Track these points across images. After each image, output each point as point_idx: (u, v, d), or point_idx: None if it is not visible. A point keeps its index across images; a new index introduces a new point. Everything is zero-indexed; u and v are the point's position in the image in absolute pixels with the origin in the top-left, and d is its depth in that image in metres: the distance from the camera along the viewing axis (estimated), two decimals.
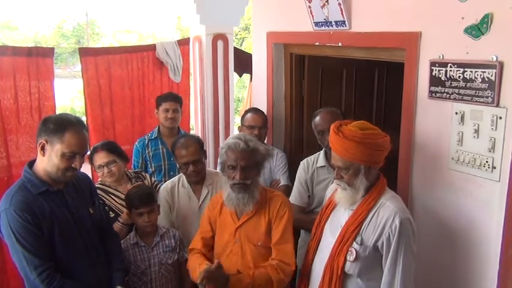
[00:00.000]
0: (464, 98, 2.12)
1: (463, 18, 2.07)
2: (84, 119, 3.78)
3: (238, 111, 8.85)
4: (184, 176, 2.77)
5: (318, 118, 2.74)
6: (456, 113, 2.17)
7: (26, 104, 3.46)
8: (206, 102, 4.43)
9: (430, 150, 2.32)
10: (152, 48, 4.23)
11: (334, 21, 2.74)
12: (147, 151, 3.49)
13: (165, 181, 3.14)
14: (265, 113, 3.33)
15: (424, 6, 2.25)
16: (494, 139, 2.02)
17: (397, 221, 1.89)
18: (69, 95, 14.31)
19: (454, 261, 2.26)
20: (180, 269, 2.59)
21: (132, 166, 3.49)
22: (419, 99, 2.34)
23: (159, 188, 2.91)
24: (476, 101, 2.07)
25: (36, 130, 2.02)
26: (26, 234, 1.92)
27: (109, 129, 4.06)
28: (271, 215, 2.21)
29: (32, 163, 2.07)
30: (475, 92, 2.06)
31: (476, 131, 2.09)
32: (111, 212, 2.74)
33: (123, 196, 2.75)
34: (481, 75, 2.03)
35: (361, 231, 1.96)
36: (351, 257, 1.93)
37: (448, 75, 2.17)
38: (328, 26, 2.81)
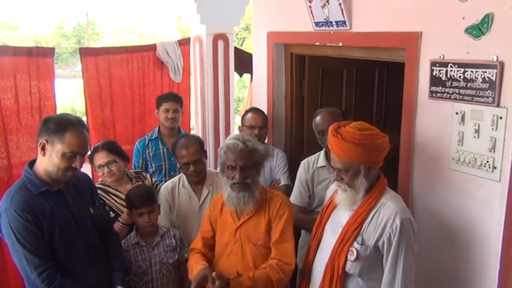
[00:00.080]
0: (464, 98, 2.12)
1: (463, 18, 2.07)
2: (84, 118, 3.78)
3: (238, 111, 8.86)
4: (184, 176, 2.77)
5: (318, 118, 2.74)
6: (457, 113, 2.16)
7: (26, 104, 3.46)
8: (206, 102, 4.43)
9: (431, 150, 2.32)
10: (153, 48, 4.23)
11: (335, 21, 2.74)
12: (147, 151, 3.49)
13: (165, 181, 3.14)
14: (266, 113, 3.33)
15: (424, 6, 2.25)
16: (495, 139, 2.02)
17: (397, 221, 1.89)
18: (69, 95, 14.32)
19: (454, 261, 2.26)
20: (180, 268, 2.59)
21: (132, 166, 3.49)
22: (419, 99, 2.34)
23: (160, 188, 2.92)
24: (477, 101, 2.06)
25: (37, 130, 2.02)
26: (26, 234, 1.92)
27: (109, 129, 4.06)
28: (271, 214, 2.21)
29: (32, 163, 2.07)
30: (476, 92, 2.06)
31: (477, 131, 2.09)
32: (111, 212, 2.74)
33: (123, 196, 2.75)
34: (481, 75, 2.03)
35: (361, 231, 1.96)
36: (351, 256, 1.93)
37: (448, 75, 2.17)
38: (328, 26, 2.81)
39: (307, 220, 2.58)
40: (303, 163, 2.79)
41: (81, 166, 2.05)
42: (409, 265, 1.92)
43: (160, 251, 2.54)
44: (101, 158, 2.79)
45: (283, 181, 3.15)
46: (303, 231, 2.79)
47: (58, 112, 3.58)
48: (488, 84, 2.01)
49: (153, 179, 3.15)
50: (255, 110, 3.29)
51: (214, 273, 2.01)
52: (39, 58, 3.50)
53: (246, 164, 2.16)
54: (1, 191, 2.32)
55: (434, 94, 2.25)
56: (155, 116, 3.65)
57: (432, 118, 2.29)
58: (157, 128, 3.59)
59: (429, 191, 2.35)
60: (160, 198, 2.73)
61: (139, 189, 2.58)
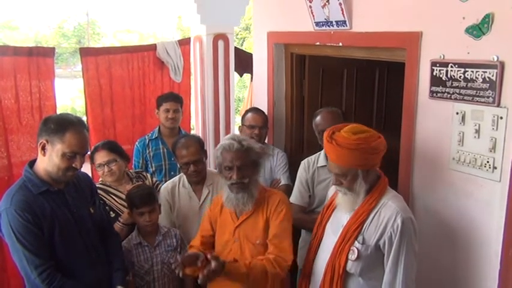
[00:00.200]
0: (465, 98, 2.12)
1: (464, 18, 2.07)
2: (84, 118, 3.78)
3: (238, 111, 8.86)
4: (185, 176, 2.77)
5: (318, 118, 2.74)
6: (457, 113, 2.16)
7: (27, 103, 3.46)
8: (207, 102, 4.43)
9: (431, 150, 2.32)
10: (153, 48, 4.23)
11: (335, 21, 2.74)
12: (147, 151, 3.49)
13: (165, 181, 3.14)
14: (266, 113, 3.33)
15: (424, 6, 2.25)
16: (495, 139, 2.01)
17: (398, 221, 1.89)
18: (69, 95, 14.32)
19: (454, 261, 2.26)
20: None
21: (132, 166, 3.49)
22: (420, 99, 2.34)
23: (160, 188, 2.92)
24: (477, 101, 2.06)
25: (37, 130, 2.02)
26: (26, 233, 1.92)
27: (109, 129, 4.06)
28: (268, 212, 2.21)
29: (32, 163, 2.07)
30: (476, 92, 2.06)
31: (477, 131, 2.09)
32: (111, 212, 2.74)
33: (123, 196, 2.75)
34: (482, 75, 2.03)
35: (362, 230, 1.96)
36: (352, 256, 1.93)
37: (449, 75, 2.17)
38: (328, 26, 2.81)
39: (308, 220, 2.59)
40: (303, 163, 2.79)
41: (81, 166, 2.05)
42: (410, 264, 1.92)
43: (161, 250, 2.54)
44: (101, 157, 2.80)
45: (283, 181, 3.15)
46: (303, 231, 2.79)
47: (58, 112, 3.58)
48: (488, 84, 2.01)
49: (154, 179, 3.15)
50: (255, 110, 3.29)
51: (209, 255, 2.00)
52: (40, 58, 3.50)
53: (243, 164, 2.16)
54: (1, 190, 2.32)
55: (434, 94, 2.25)
56: (155, 116, 3.65)
57: (432, 118, 2.29)
58: (157, 128, 3.59)
59: (429, 191, 2.35)
60: (160, 198, 2.73)
61: (139, 188, 2.58)
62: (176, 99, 3.56)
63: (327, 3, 2.72)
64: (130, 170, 3.11)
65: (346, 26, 2.69)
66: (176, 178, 2.85)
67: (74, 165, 2.00)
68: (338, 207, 2.09)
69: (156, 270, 2.51)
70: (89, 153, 2.63)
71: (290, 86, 3.41)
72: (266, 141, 3.36)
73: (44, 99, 3.53)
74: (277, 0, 3.30)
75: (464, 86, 2.11)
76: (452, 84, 2.16)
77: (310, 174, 2.72)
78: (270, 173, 3.21)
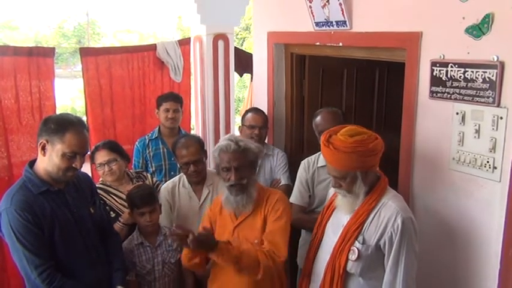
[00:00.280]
0: (465, 98, 2.12)
1: (463, 18, 2.07)
2: (84, 118, 3.78)
3: (238, 111, 8.85)
4: (185, 176, 2.77)
5: (318, 118, 2.74)
6: (457, 113, 2.16)
7: (27, 103, 3.46)
8: (207, 102, 4.43)
9: (431, 151, 2.32)
10: (153, 48, 4.23)
11: (335, 21, 2.74)
12: (147, 151, 3.49)
13: (165, 181, 3.14)
14: (266, 113, 3.33)
15: (424, 6, 2.25)
16: (495, 139, 2.02)
17: (399, 220, 1.89)
18: (69, 95, 14.32)
19: (455, 261, 2.26)
20: (181, 268, 2.59)
21: (132, 166, 3.49)
22: (420, 99, 2.34)
23: (160, 188, 2.92)
24: (477, 101, 2.06)
25: (37, 130, 2.02)
26: (26, 233, 1.92)
27: (109, 128, 4.06)
28: (266, 211, 2.20)
29: (32, 163, 2.07)
30: (476, 92, 2.06)
31: (477, 131, 2.09)
32: (112, 212, 2.74)
33: (124, 196, 2.75)
34: (482, 75, 2.03)
35: (363, 230, 1.96)
36: (353, 256, 1.93)
37: (449, 75, 2.17)
38: (328, 26, 2.81)
39: (308, 220, 2.59)
40: (303, 163, 2.79)
41: (81, 166, 2.05)
42: (411, 264, 1.92)
43: (162, 250, 2.54)
44: (101, 156, 2.80)
45: (283, 181, 3.15)
46: (303, 231, 2.79)
47: (58, 112, 3.58)
48: (488, 84, 2.01)
49: (154, 179, 3.15)
50: (255, 110, 3.29)
51: (201, 227, 2.04)
52: (40, 58, 3.50)
53: (241, 164, 2.16)
54: (1, 190, 2.32)
55: (434, 94, 2.25)
56: (155, 116, 3.65)
57: (432, 118, 2.29)
58: (157, 128, 3.59)
59: (429, 191, 2.35)
60: (160, 198, 2.73)
61: (140, 188, 2.58)
62: (176, 99, 3.56)
63: (327, 4, 2.72)
64: (131, 170, 3.11)
65: (346, 26, 2.69)
66: (176, 178, 2.85)
67: (74, 165, 2.00)
68: (338, 208, 2.09)
69: (157, 270, 2.52)
70: (89, 153, 2.63)
71: (290, 86, 3.41)
72: (266, 141, 3.36)
73: (44, 99, 3.54)
74: (277, 0, 3.30)
75: (464, 86, 2.11)
76: (452, 84, 2.16)
77: (310, 174, 2.72)
78: (270, 173, 3.21)
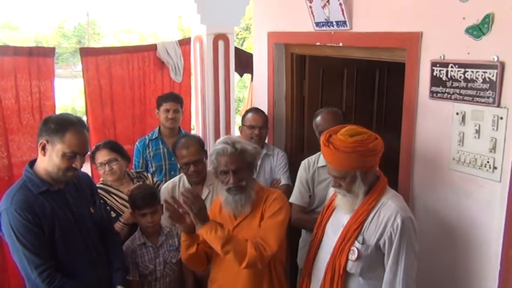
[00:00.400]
0: (465, 98, 2.12)
1: (464, 18, 2.07)
2: (84, 118, 3.78)
3: (239, 111, 8.86)
4: (185, 176, 2.77)
5: (319, 118, 2.74)
6: (457, 113, 2.16)
7: (27, 103, 3.47)
8: (207, 102, 4.43)
9: (431, 151, 2.32)
10: (153, 48, 4.23)
11: (335, 21, 2.74)
12: (147, 151, 3.49)
13: (165, 181, 3.15)
14: (266, 113, 3.33)
15: (425, 6, 2.25)
16: (495, 139, 2.02)
17: (398, 220, 1.89)
18: (70, 95, 14.31)
19: (455, 261, 2.26)
20: (182, 268, 2.59)
21: (132, 166, 3.49)
22: (420, 99, 2.34)
23: (160, 188, 2.92)
24: (477, 101, 2.06)
25: (37, 130, 2.02)
26: (26, 233, 1.92)
27: (110, 128, 4.06)
28: (264, 210, 2.20)
29: (32, 163, 2.07)
30: (476, 92, 2.06)
31: (477, 131, 2.09)
32: (112, 212, 2.74)
33: (124, 196, 2.76)
34: (482, 75, 2.03)
35: (362, 230, 1.96)
36: (353, 256, 1.93)
37: (449, 76, 2.17)
38: (329, 26, 2.81)
39: (308, 220, 2.59)
40: (304, 163, 2.79)
41: (81, 166, 2.05)
42: (410, 264, 1.92)
43: (164, 250, 2.54)
44: (102, 156, 2.80)
45: (283, 181, 3.15)
46: (303, 231, 2.80)
47: (58, 112, 3.58)
48: (488, 85, 2.01)
49: (154, 179, 3.15)
50: (256, 110, 3.29)
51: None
52: (40, 58, 3.50)
53: (238, 167, 2.15)
54: (2, 190, 2.32)
55: (434, 94, 2.25)
56: (155, 116, 3.65)
57: (433, 118, 2.29)
58: (157, 128, 3.59)
59: (429, 191, 2.35)
60: (160, 198, 2.73)
61: (142, 189, 2.58)
62: (176, 99, 3.56)
63: (327, 4, 2.72)
64: (131, 170, 3.11)
65: (347, 26, 2.69)
66: (176, 178, 2.85)
67: (74, 165, 2.00)
68: (337, 208, 2.09)
69: (159, 270, 2.52)
70: (89, 153, 2.64)
71: (290, 86, 3.41)
72: (266, 141, 3.36)
73: (44, 99, 3.54)
74: (277, 0, 3.30)
75: (465, 86, 2.11)
76: (452, 84, 2.16)
77: (310, 174, 2.72)
78: (270, 173, 3.21)
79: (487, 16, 1.97)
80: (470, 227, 2.17)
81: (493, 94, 1.99)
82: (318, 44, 2.96)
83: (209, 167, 2.68)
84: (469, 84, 2.09)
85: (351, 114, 3.60)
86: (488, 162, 2.05)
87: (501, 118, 1.98)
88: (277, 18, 3.32)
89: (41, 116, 3.47)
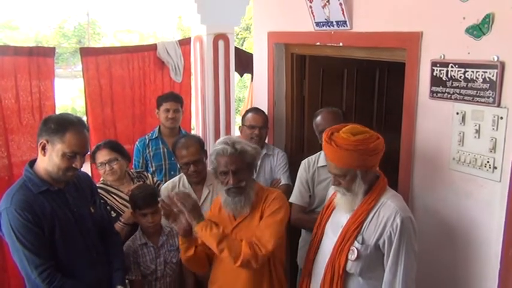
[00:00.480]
0: (465, 98, 2.12)
1: (464, 18, 2.07)
2: (84, 118, 3.78)
3: (239, 111, 8.85)
4: (185, 176, 2.77)
5: (319, 118, 2.74)
6: (457, 113, 2.16)
7: (27, 103, 3.47)
8: (207, 102, 4.43)
9: (431, 150, 2.32)
10: (153, 48, 4.23)
11: (335, 21, 2.74)
12: (147, 151, 3.49)
13: (165, 181, 3.15)
14: (266, 113, 3.32)
15: (425, 6, 2.25)
16: (496, 139, 2.01)
17: (398, 220, 1.89)
18: (70, 95, 14.30)
19: (454, 261, 2.26)
20: (182, 268, 2.59)
21: (132, 166, 3.49)
22: (420, 99, 2.34)
23: (161, 187, 2.92)
24: (478, 101, 2.06)
25: (37, 130, 2.02)
26: (26, 233, 1.92)
27: (110, 128, 4.06)
28: (263, 210, 2.19)
29: (32, 162, 2.07)
30: (476, 92, 2.06)
31: (478, 131, 2.09)
32: (112, 212, 2.74)
33: (125, 196, 2.76)
34: (482, 75, 2.03)
35: (362, 230, 1.96)
36: (352, 256, 1.93)
37: (449, 75, 2.17)
38: (329, 26, 2.81)
39: (308, 220, 2.59)
40: (304, 163, 2.79)
41: (81, 166, 2.05)
42: (410, 264, 1.92)
43: (165, 250, 2.54)
44: (102, 155, 2.80)
45: (283, 181, 3.14)
46: (303, 231, 2.79)
47: (58, 112, 3.58)
48: (488, 85, 2.00)
49: (155, 179, 3.15)
50: (256, 110, 3.29)
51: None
52: (40, 58, 3.50)
53: (238, 168, 2.15)
54: (2, 190, 2.32)
55: (434, 94, 2.25)
56: (156, 116, 3.65)
57: (433, 118, 2.29)
58: (157, 128, 3.59)
59: (429, 191, 2.35)
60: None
61: (142, 189, 2.58)
62: (176, 99, 3.56)
63: (327, 4, 2.72)
64: (131, 170, 3.11)
65: (347, 26, 2.68)
66: (176, 178, 2.85)
67: (74, 165, 2.00)
68: (337, 207, 2.09)
69: (159, 270, 2.52)
70: (89, 153, 2.63)
71: (290, 86, 3.41)
72: (266, 141, 3.36)
73: (43, 99, 3.54)
74: (277, 0, 3.30)
75: (465, 86, 2.11)
76: (452, 84, 2.16)
77: (310, 174, 2.72)
78: (270, 173, 3.21)
79: (487, 16, 1.97)
80: (470, 227, 2.17)
81: (493, 94, 1.99)
82: (318, 43, 2.96)
83: (209, 167, 2.69)
84: (469, 84, 2.09)
85: (351, 114, 3.59)
86: (488, 162, 2.05)
87: (501, 118, 1.98)
88: (277, 18, 3.32)
89: (41, 116, 3.46)
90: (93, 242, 2.18)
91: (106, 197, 2.76)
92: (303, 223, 2.66)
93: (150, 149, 3.50)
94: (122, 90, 4.08)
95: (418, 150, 2.40)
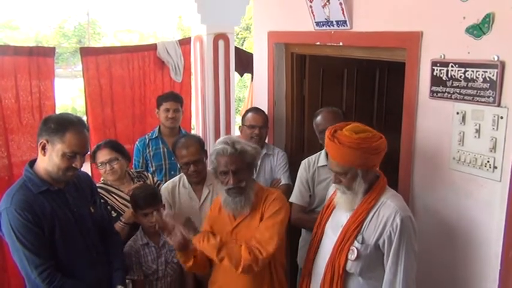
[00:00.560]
0: (465, 97, 2.11)
1: (464, 18, 2.07)
2: (84, 118, 3.78)
3: (239, 110, 8.86)
4: (185, 176, 2.77)
5: (319, 118, 2.74)
6: (457, 113, 2.16)
7: (27, 103, 3.46)
8: (207, 102, 4.43)
9: (431, 150, 2.32)
10: (153, 47, 4.23)
11: (335, 21, 2.74)
12: (147, 150, 3.49)
13: (165, 180, 3.14)
14: (266, 113, 3.32)
15: (425, 5, 2.25)
16: (496, 139, 2.01)
17: (398, 219, 1.89)
18: (70, 95, 14.30)
19: (454, 261, 2.26)
20: (182, 268, 2.59)
21: (132, 165, 3.49)
22: (420, 99, 2.34)
23: (161, 187, 2.91)
24: (478, 101, 2.06)
25: (37, 129, 2.02)
26: (26, 233, 1.92)
27: (110, 128, 4.06)
28: (263, 211, 2.19)
29: (32, 162, 2.07)
30: (477, 92, 2.06)
31: (478, 131, 2.09)
32: (113, 212, 2.74)
33: (125, 196, 2.76)
34: (482, 75, 2.02)
35: (362, 230, 1.96)
36: (352, 255, 1.93)
37: (449, 75, 2.17)
38: (329, 26, 2.81)
39: (308, 219, 2.58)
40: (304, 163, 2.79)
41: (81, 166, 2.05)
42: (410, 264, 1.92)
43: (166, 250, 2.54)
44: (103, 155, 2.80)
45: (283, 180, 3.14)
46: (303, 231, 2.79)
47: (57, 111, 3.58)
48: (489, 84, 2.00)
49: (155, 179, 3.15)
50: (256, 110, 3.29)
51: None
52: (40, 58, 3.50)
53: (238, 168, 2.15)
54: (2, 190, 2.32)
55: (435, 94, 2.25)
56: (156, 116, 3.65)
57: (433, 118, 2.29)
58: (157, 128, 3.59)
59: (429, 191, 2.35)
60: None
61: (143, 189, 2.58)
62: (176, 98, 3.56)
63: (327, 3, 2.72)
64: (131, 170, 3.11)
65: (347, 25, 2.68)
66: (176, 178, 2.85)
67: (74, 165, 2.00)
68: (337, 206, 2.09)
69: (160, 270, 2.52)
70: (89, 152, 2.63)
71: (290, 86, 3.41)
72: (266, 140, 3.36)
73: (43, 99, 3.53)
74: (277, 0, 3.30)
75: (465, 85, 2.11)
76: (452, 84, 2.16)
77: (310, 174, 2.72)
78: (271, 172, 3.21)
79: (487, 16, 1.97)
80: (470, 227, 2.17)
81: (493, 94, 1.99)
82: (318, 43, 2.95)
83: (209, 167, 2.69)
84: (469, 84, 2.08)
85: (351, 114, 3.59)
86: (488, 161, 2.05)
87: (501, 118, 1.98)
88: (277, 18, 3.32)
89: (41, 116, 3.46)
90: (93, 242, 2.18)
91: (106, 197, 2.76)
92: (303, 223, 2.66)
93: (150, 148, 3.49)
94: (122, 90, 4.08)
95: (418, 150, 2.39)
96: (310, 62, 3.37)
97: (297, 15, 3.03)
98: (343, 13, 2.65)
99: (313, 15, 2.88)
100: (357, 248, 1.93)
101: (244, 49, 7.16)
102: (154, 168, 3.47)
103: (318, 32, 2.92)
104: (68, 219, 2.06)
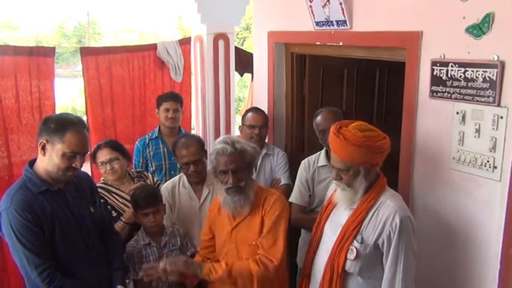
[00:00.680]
0: (465, 97, 2.11)
1: (464, 17, 2.07)
2: (84, 118, 3.78)
3: (239, 110, 8.86)
4: (185, 176, 2.77)
5: (319, 117, 2.74)
6: (457, 113, 2.16)
7: (27, 103, 3.47)
8: (207, 102, 4.43)
9: (431, 150, 2.32)
10: (153, 47, 4.23)
11: (335, 21, 2.74)
12: (147, 150, 3.49)
13: (165, 180, 3.14)
14: (266, 113, 3.32)
15: (425, 5, 2.25)
16: (496, 139, 2.01)
17: (397, 219, 1.89)
18: (70, 95, 14.30)
19: (454, 261, 2.26)
20: None
21: (132, 165, 3.49)
22: (420, 98, 2.34)
23: (161, 187, 2.91)
24: (478, 101, 2.06)
25: (37, 129, 2.02)
26: (26, 233, 1.92)
27: (110, 128, 4.06)
28: (264, 212, 2.19)
29: (32, 162, 2.07)
30: (476, 92, 2.06)
31: (478, 131, 2.09)
32: (113, 212, 2.74)
33: (125, 195, 2.75)
34: (482, 74, 2.02)
35: (361, 229, 1.96)
36: (351, 255, 1.93)
37: (449, 75, 2.17)
38: (329, 26, 2.81)
39: (307, 219, 2.58)
40: (304, 162, 2.79)
41: (81, 166, 2.05)
42: (409, 263, 1.92)
43: (167, 250, 2.54)
44: (103, 155, 2.80)
45: (283, 180, 3.14)
46: (303, 231, 2.79)
47: (57, 111, 3.58)
48: (488, 84, 2.00)
49: (155, 179, 3.15)
50: (256, 110, 3.29)
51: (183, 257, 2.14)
52: (40, 58, 3.50)
53: (238, 167, 2.15)
54: (2, 190, 2.32)
55: (435, 94, 2.25)
56: (156, 116, 3.65)
57: (433, 118, 2.29)
58: (157, 128, 3.59)
59: (429, 191, 2.35)
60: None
61: (144, 189, 2.58)
62: (176, 98, 3.56)
63: (327, 3, 2.72)
64: (131, 170, 3.11)
65: (347, 25, 2.68)
66: (176, 178, 2.85)
67: (74, 165, 2.00)
68: (336, 202, 2.10)
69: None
70: (89, 152, 2.63)
71: (290, 86, 3.41)
72: (266, 140, 3.36)
73: (43, 99, 3.54)
74: (277, 0, 3.30)
75: (465, 85, 2.11)
76: (452, 83, 2.16)
77: (310, 174, 2.72)
78: (270, 172, 3.21)
79: (487, 15, 1.97)
80: (470, 227, 2.17)
81: (493, 93, 1.99)
82: (318, 43, 2.95)
83: (209, 167, 2.70)
84: (469, 84, 2.08)
85: (351, 114, 3.59)
86: (488, 161, 2.05)
87: (501, 117, 1.98)
88: (277, 18, 3.32)
89: (40, 116, 3.46)
90: (93, 242, 2.18)
91: (107, 197, 2.76)
92: (302, 223, 2.66)
93: (150, 148, 3.49)
94: (122, 90, 4.08)
95: (418, 150, 2.39)
96: (310, 62, 3.37)
97: (297, 15, 3.03)
98: (343, 13, 2.65)
99: (313, 15, 2.88)
100: (356, 248, 1.93)
101: (244, 49, 7.16)
102: (154, 168, 3.47)
103: (318, 32, 2.92)
104: (68, 219, 2.06)
